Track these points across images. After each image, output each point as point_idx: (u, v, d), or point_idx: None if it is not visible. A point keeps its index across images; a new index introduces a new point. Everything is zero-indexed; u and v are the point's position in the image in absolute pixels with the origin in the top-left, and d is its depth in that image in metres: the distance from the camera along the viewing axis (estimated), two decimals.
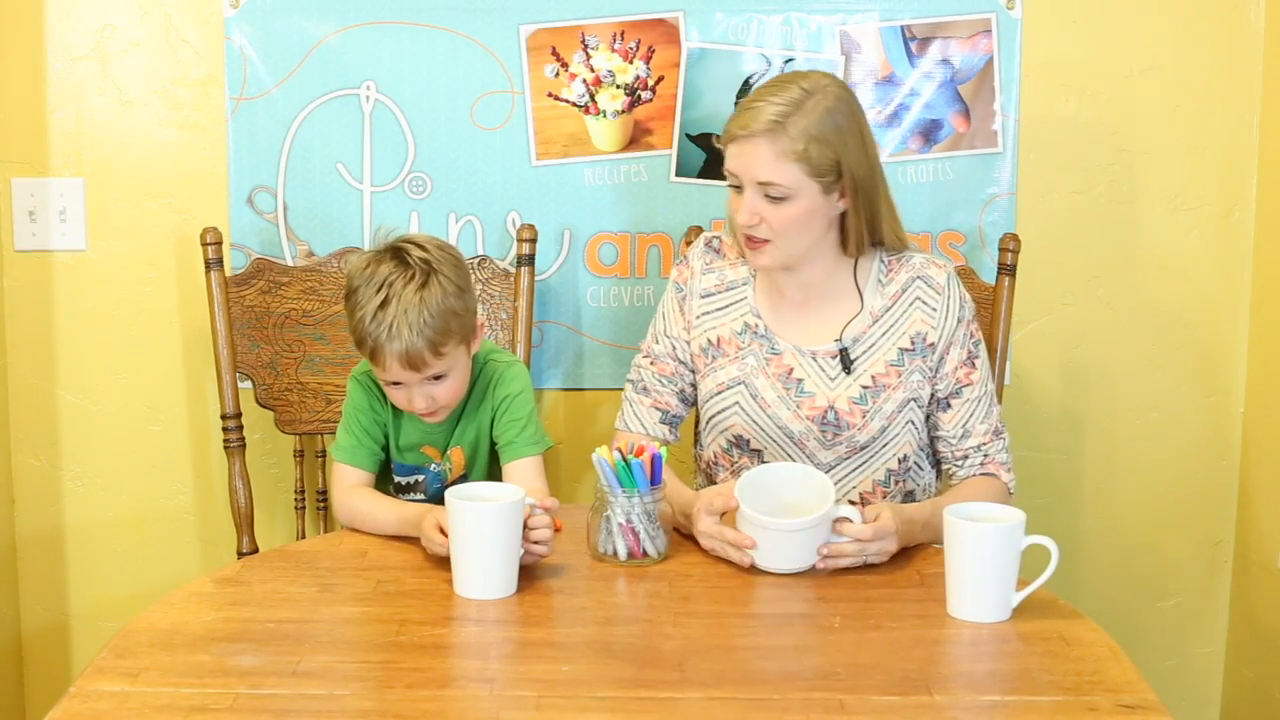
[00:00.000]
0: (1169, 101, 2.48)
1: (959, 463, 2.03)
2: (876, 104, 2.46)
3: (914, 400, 2.01)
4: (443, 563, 1.71)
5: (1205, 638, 2.65)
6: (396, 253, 1.91)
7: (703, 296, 2.08)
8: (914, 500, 2.08)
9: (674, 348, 2.09)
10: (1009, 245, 2.36)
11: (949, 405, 2.03)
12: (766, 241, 1.96)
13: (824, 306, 2.04)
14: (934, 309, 2.01)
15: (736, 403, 2.03)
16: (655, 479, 1.80)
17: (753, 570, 1.75)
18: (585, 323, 2.53)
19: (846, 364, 2.01)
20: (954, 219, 2.49)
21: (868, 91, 2.45)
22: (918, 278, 2.02)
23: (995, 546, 1.60)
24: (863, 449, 2.02)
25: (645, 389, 2.09)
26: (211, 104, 2.46)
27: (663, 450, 1.81)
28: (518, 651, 1.55)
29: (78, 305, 2.51)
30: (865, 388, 2.00)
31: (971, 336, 2.03)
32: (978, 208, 2.48)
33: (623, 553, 1.79)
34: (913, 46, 2.45)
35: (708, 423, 2.09)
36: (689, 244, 2.40)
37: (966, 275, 2.40)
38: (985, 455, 2.02)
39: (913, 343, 2.01)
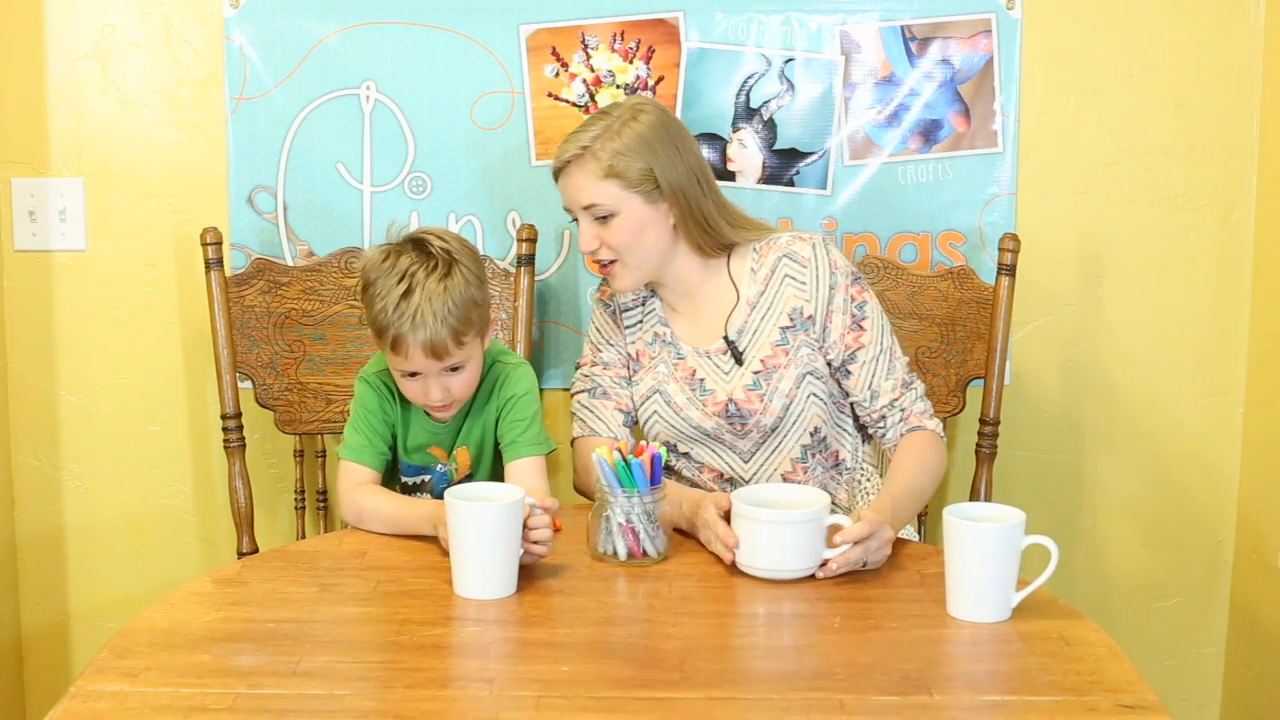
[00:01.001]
0: (1169, 101, 2.48)
1: (880, 424, 2.08)
2: (876, 104, 2.46)
3: (809, 374, 2.06)
4: (442, 563, 1.71)
5: (1205, 638, 2.65)
6: (418, 244, 1.92)
7: (624, 310, 2.17)
8: (843, 467, 2.14)
9: (618, 353, 2.17)
10: (1009, 245, 2.36)
11: (849, 372, 2.08)
12: (613, 263, 2.04)
13: (707, 306, 2.11)
14: (803, 283, 2.06)
15: (655, 411, 2.10)
16: (655, 479, 1.80)
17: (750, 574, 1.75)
18: (585, 323, 2.53)
19: (737, 356, 2.07)
20: (954, 219, 2.48)
21: (868, 91, 2.45)
22: (784, 256, 2.08)
23: (995, 546, 1.60)
24: (773, 431, 2.07)
25: (605, 393, 2.15)
26: (211, 104, 2.46)
27: (662, 450, 1.81)
28: (517, 651, 1.55)
29: (78, 305, 2.51)
30: (756, 373, 2.06)
31: (853, 300, 2.07)
32: (978, 208, 2.48)
33: (623, 553, 1.79)
34: (913, 46, 2.45)
35: (644, 431, 2.16)
36: None
37: (966, 275, 2.40)
38: (902, 410, 2.06)
39: (791, 319, 2.06)
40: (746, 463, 2.10)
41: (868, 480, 2.14)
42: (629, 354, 2.15)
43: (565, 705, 1.39)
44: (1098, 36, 2.46)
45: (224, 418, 2.36)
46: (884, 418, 2.07)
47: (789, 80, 2.45)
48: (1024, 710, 1.39)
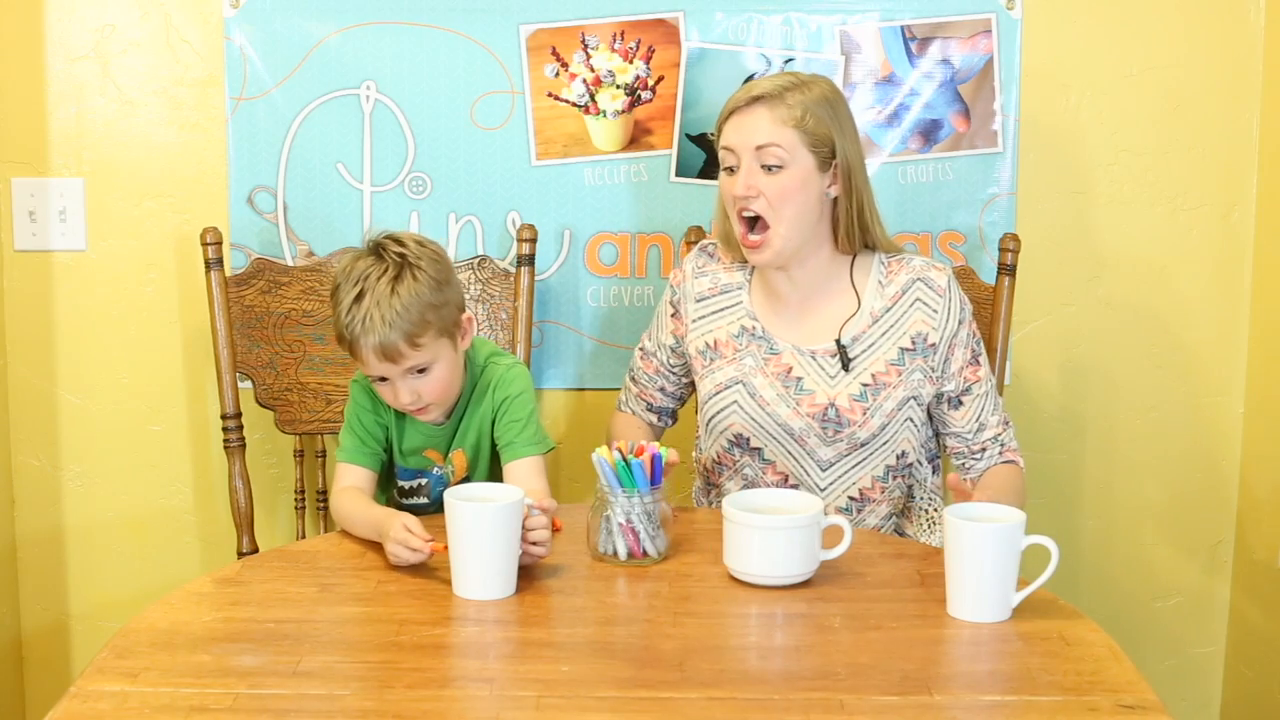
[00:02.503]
0: (1169, 101, 2.48)
1: (976, 455, 2.10)
2: (876, 104, 2.46)
3: (914, 399, 2.04)
4: (442, 563, 1.71)
5: (1205, 638, 2.65)
6: (375, 249, 1.93)
7: (697, 300, 2.13)
8: (914, 499, 2.13)
9: (659, 348, 2.18)
10: (1009, 245, 2.36)
11: (960, 403, 2.08)
12: (764, 236, 1.99)
13: (822, 307, 2.07)
14: (935, 310, 2.05)
15: (735, 402, 2.06)
16: (655, 479, 1.80)
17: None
18: (585, 323, 2.53)
19: (845, 361, 2.03)
20: (954, 219, 2.49)
21: (868, 91, 2.45)
22: (918, 279, 2.06)
23: (995, 546, 1.60)
24: (863, 445, 2.04)
25: (635, 379, 2.22)
26: (211, 104, 2.46)
27: (662, 450, 1.81)
28: (517, 651, 1.55)
29: (78, 305, 2.51)
30: (865, 385, 2.03)
31: (974, 336, 2.09)
32: (978, 208, 2.48)
33: (623, 553, 1.79)
34: (913, 46, 2.45)
35: (708, 425, 2.12)
36: (690, 245, 2.41)
37: (966, 275, 2.40)
38: (1002, 445, 2.10)
39: (914, 342, 2.04)
40: (824, 471, 2.07)
41: (936, 510, 2.13)
42: (700, 346, 2.11)
43: (565, 705, 1.39)
44: (1098, 36, 2.46)
45: (224, 418, 2.37)
46: (984, 449, 2.09)
47: None
48: (1024, 710, 1.39)
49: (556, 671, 1.47)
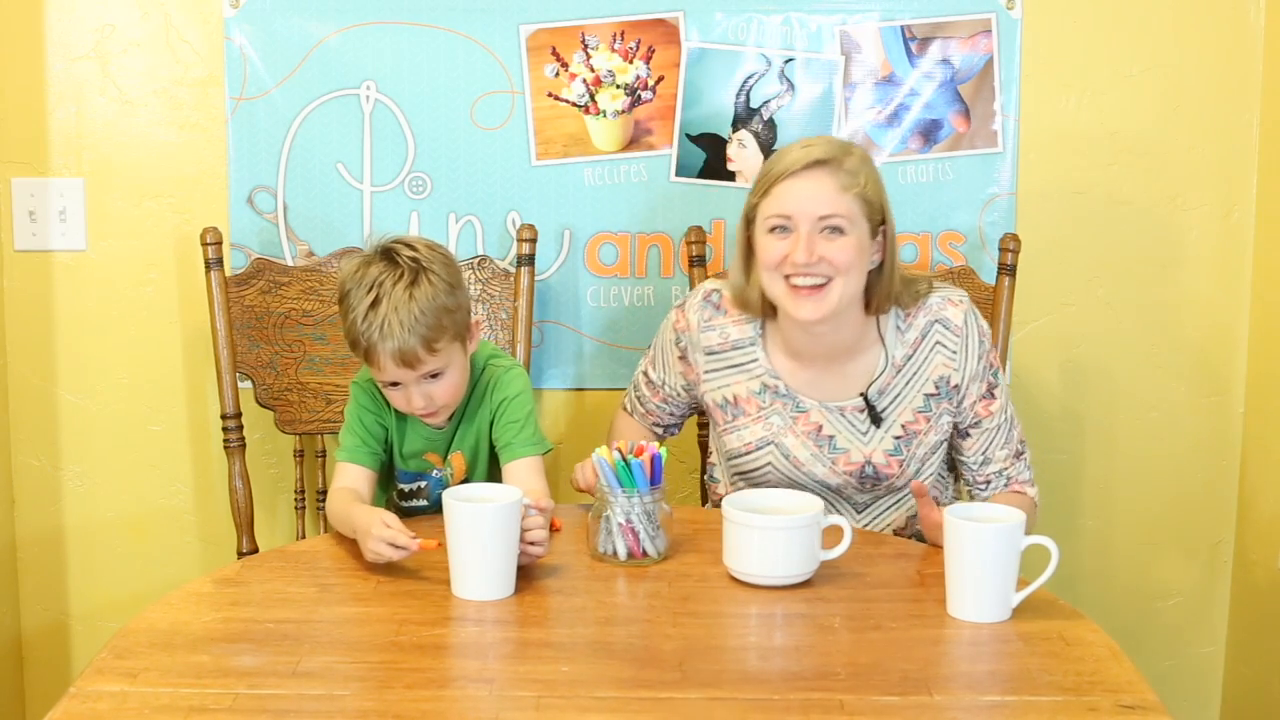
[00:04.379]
0: (1169, 101, 2.48)
1: (981, 486, 2.07)
2: (876, 104, 2.46)
3: (945, 441, 2.06)
4: (442, 563, 1.71)
5: (1205, 638, 2.65)
6: (386, 254, 1.92)
7: (708, 354, 2.08)
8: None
9: (664, 384, 2.16)
10: (1009, 245, 2.36)
11: (968, 434, 2.06)
12: (823, 286, 1.91)
13: (846, 364, 2.03)
14: (954, 352, 2.02)
15: (769, 463, 2.04)
16: (655, 479, 1.80)
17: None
18: (585, 323, 2.53)
19: (875, 417, 2.01)
20: (954, 219, 2.48)
21: (868, 91, 2.45)
22: (936, 321, 2.02)
23: (995, 546, 1.60)
24: (896, 491, 2.06)
25: (641, 401, 2.19)
26: (211, 104, 2.46)
27: (662, 450, 1.81)
28: (517, 652, 1.55)
29: (78, 305, 2.51)
30: (898, 438, 2.02)
31: (991, 368, 2.04)
32: (978, 208, 2.48)
33: (623, 553, 1.79)
34: (913, 46, 2.44)
35: (734, 473, 2.09)
36: (690, 244, 2.41)
37: (966, 275, 2.40)
38: (1008, 478, 2.06)
39: (937, 387, 2.02)
40: (860, 513, 2.06)
41: None
42: (718, 400, 2.07)
43: (565, 705, 1.39)
44: (1098, 36, 2.46)
45: (224, 418, 2.36)
46: (989, 481, 2.06)
47: (789, 80, 2.45)
48: (1024, 710, 1.39)
49: (556, 671, 1.47)
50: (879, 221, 1.95)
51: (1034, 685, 1.44)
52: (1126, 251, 2.52)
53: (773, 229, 1.93)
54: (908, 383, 2.02)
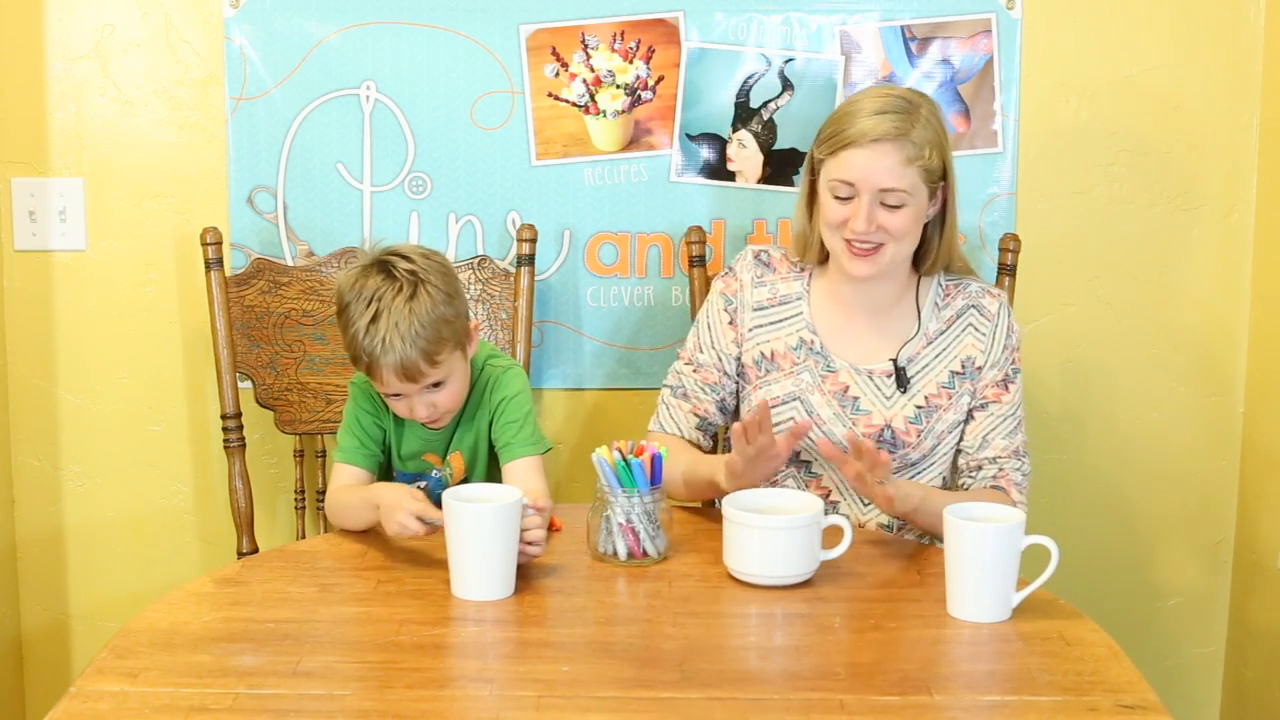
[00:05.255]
0: (1169, 101, 2.48)
1: (972, 473, 2.05)
2: None
3: (961, 426, 2.06)
4: (442, 563, 1.71)
5: (1205, 638, 2.65)
6: (383, 266, 1.92)
7: (755, 309, 2.10)
8: None
9: (720, 359, 2.11)
10: (1009, 245, 2.36)
11: (973, 416, 2.06)
12: (878, 249, 1.98)
13: (883, 325, 2.07)
14: (983, 334, 2.05)
15: (791, 418, 2.04)
16: (655, 479, 1.80)
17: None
18: (585, 323, 2.53)
19: (903, 382, 2.03)
20: None
21: None
22: (972, 306, 2.07)
23: (995, 546, 1.61)
24: (912, 465, 2.05)
25: (685, 395, 2.11)
26: (211, 104, 2.46)
27: (663, 450, 1.81)
28: (517, 651, 1.55)
29: (78, 305, 2.51)
30: (919, 407, 2.03)
31: (1013, 362, 2.06)
32: (978, 208, 2.48)
33: (623, 553, 1.79)
34: (913, 46, 2.45)
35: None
36: (690, 244, 2.41)
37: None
38: (1000, 469, 2.03)
39: (963, 366, 2.04)
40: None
41: None
42: (755, 356, 2.08)
43: (565, 705, 1.39)
44: (1098, 36, 2.46)
45: (224, 418, 2.37)
46: (980, 467, 2.04)
47: (789, 80, 2.45)
48: (1024, 710, 1.39)
49: (556, 671, 1.47)
50: (939, 179, 1.99)
51: (1034, 685, 1.45)
52: (1126, 251, 2.52)
53: (838, 196, 1.98)
54: (937, 356, 2.05)
